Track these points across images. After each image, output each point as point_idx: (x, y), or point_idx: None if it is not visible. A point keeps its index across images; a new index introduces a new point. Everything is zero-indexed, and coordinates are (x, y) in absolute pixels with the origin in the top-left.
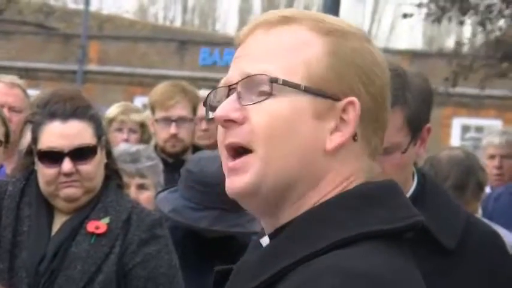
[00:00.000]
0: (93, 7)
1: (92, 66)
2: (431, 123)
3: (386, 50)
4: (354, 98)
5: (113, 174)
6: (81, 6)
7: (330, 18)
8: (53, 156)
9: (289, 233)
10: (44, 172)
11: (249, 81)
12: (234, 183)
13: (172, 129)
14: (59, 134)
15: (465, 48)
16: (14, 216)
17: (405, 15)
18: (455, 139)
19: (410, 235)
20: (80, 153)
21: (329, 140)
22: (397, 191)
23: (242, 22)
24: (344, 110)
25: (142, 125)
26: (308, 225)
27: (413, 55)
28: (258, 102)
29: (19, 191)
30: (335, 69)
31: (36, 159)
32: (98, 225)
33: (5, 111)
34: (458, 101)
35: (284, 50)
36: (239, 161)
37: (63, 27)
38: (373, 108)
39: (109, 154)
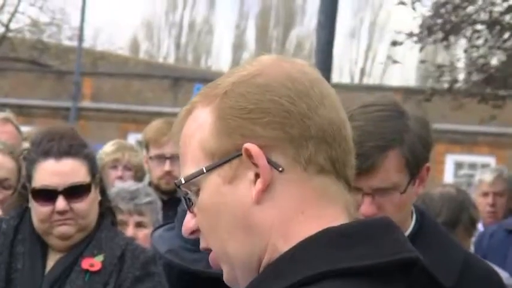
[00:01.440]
0: (87, 44)
1: (86, 103)
2: None
3: (380, 87)
4: (245, 145)
5: (106, 211)
6: (75, 43)
7: (223, 77)
8: (47, 194)
9: (262, 274)
10: (38, 210)
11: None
12: (223, 277)
13: (167, 166)
14: (53, 172)
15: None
16: (8, 254)
17: (395, 43)
18: (448, 176)
19: (411, 273)
20: (74, 191)
21: (254, 190)
22: (389, 227)
23: (235, 58)
24: (249, 156)
25: (137, 163)
26: (278, 265)
27: (406, 92)
28: (195, 204)
29: (13, 229)
30: (223, 130)
31: (30, 197)
32: (93, 262)
33: None
34: (452, 138)
35: (188, 144)
36: (211, 260)
37: (57, 64)
38: (289, 129)
39: (103, 192)
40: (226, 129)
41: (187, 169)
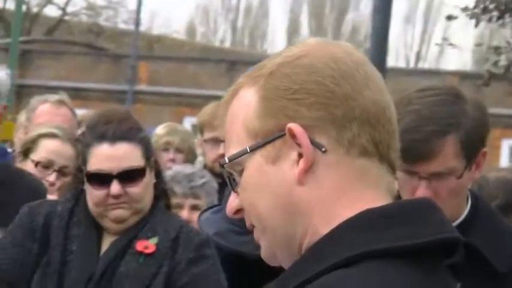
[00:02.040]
0: (143, 27)
1: (142, 87)
2: None
3: (436, 72)
4: (289, 125)
5: (162, 194)
6: (131, 27)
7: (269, 58)
8: (102, 178)
9: (303, 256)
10: (93, 194)
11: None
12: (261, 253)
13: (221, 149)
14: (108, 156)
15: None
16: (63, 236)
17: (450, 17)
18: (504, 160)
19: (459, 256)
20: (129, 176)
21: (297, 170)
22: (430, 208)
23: (290, 42)
24: (292, 136)
25: (189, 146)
26: (319, 247)
27: (462, 76)
28: (240, 183)
29: (68, 211)
30: (267, 110)
31: (85, 180)
32: (147, 244)
33: None
34: (507, 122)
35: (234, 123)
36: (255, 236)
37: (113, 47)
38: (333, 110)
39: (158, 174)
40: (271, 109)
41: (232, 149)
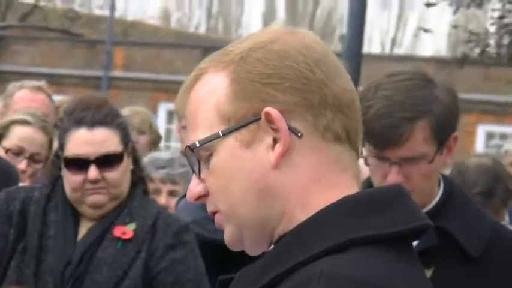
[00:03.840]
0: (118, 13)
1: (117, 73)
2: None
3: (411, 57)
4: (266, 109)
5: (139, 180)
6: (106, 12)
7: (234, 44)
8: (79, 164)
9: (286, 241)
10: (70, 179)
11: (191, 154)
12: (224, 237)
13: None
14: (85, 141)
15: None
16: (40, 222)
17: (428, 5)
18: (479, 146)
19: (432, 241)
20: (106, 161)
21: (272, 155)
22: (402, 195)
23: (265, 27)
24: (269, 120)
25: (150, 126)
26: (303, 233)
27: (438, 62)
28: (205, 168)
29: (45, 197)
30: (241, 94)
31: (62, 166)
32: (125, 230)
33: None
34: (483, 108)
35: (199, 108)
36: (216, 220)
37: (89, 33)
38: (308, 95)
39: (136, 160)
40: (245, 93)
41: (200, 133)
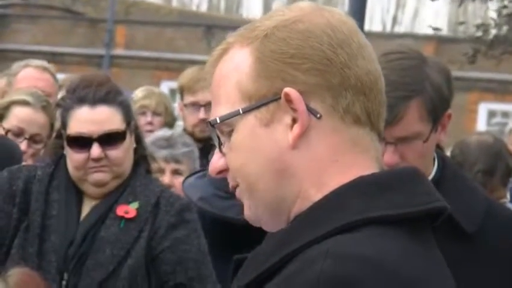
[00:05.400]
0: None
1: (119, 51)
2: (457, 108)
3: (411, 35)
4: (285, 89)
5: (142, 159)
6: None
7: (261, 19)
8: (82, 142)
9: (297, 221)
10: (73, 157)
11: (213, 129)
12: (244, 212)
13: (201, 114)
14: (88, 119)
15: (492, 32)
16: (43, 201)
17: None
18: (481, 124)
19: (439, 221)
20: (109, 139)
21: (291, 135)
22: (418, 177)
23: (266, 7)
24: (288, 101)
25: (166, 108)
26: (314, 213)
27: (438, 40)
28: (227, 143)
29: (48, 176)
30: (262, 73)
31: (65, 144)
32: (127, 209)
33: None
34: (485, 86)
35: (223, 83)
36: (237, 194)
37: (90, 11)
38: (329, 77)
39: (138, 139)
40: (266, 72)
41: (221, 109)
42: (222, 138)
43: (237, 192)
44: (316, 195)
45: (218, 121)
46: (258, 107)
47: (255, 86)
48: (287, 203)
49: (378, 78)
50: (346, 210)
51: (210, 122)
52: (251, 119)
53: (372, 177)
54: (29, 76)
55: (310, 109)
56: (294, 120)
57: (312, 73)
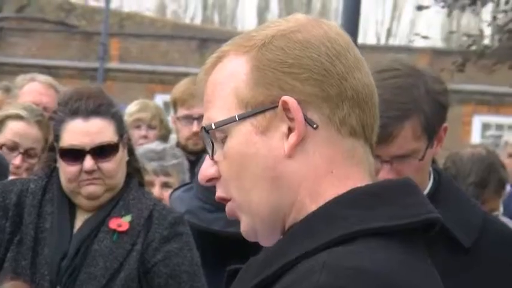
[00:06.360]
0: (114, 4)
1: (113, 64)
2: (452, 121)
3: (406, 48)
4: (284, 98)
5: (134, 172)
6: (101, 4)
7: (257, 29)
8: (75, 154)
9: (293, 232)
10: (66, 170)
11: (206, 135)
12: (240, 228)
13: (194, 127)
14: (81, 131)
15: (484, 42)
16: (36, 214)
17: (420, 8)
18: (475, 137)
19: (432, 232)
20: (102, 151)
21: (287, 144)
22: (411, 188)
23: (260, 20)
24: (285, 109)
25: (161, 121)
26: (310, 224)
27: (432, 52)
28: (220, 150)
29: (41, 189)
30: (260, 81)
31: (58, 157)
32: (120, 222)
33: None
34: (479, 99)
35: (218, 90)
36: (227, 209)
37: (84, 24)
38: (327, 88)
39: (131, 152)
40: (264, 80)
41: (216, 114)
42: (215, 145)
43: (229, 207)
44: (311, 206)
45: (213, 127)
46: (254, 114)
47: (252, 93)
48: (282, 212)
49: (373, 92)
50: (342, 222)
51: (204, 128)
52: (247, 126)
53: (367, 189)
54: (35, 90)
55: (307, 119)
56: (290, 130)
57: (309, 83)
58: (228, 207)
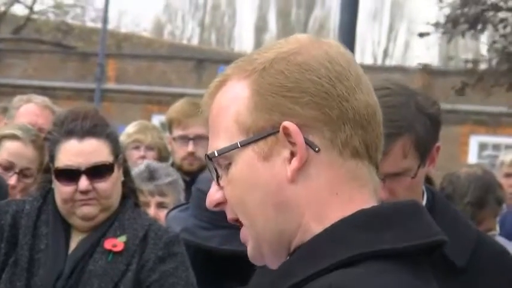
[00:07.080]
0: (111, 26)
1: (110, 85)
2: (449, 141)
3: (402, 68)
4: (284, 123)
5: (130, 192)
6: (99, 25)
7: (259, 51)
8: (70, 174)
9: (299, 254)
10: (61, 190)
11: (210, 162)
12: (248, 252)
13: (190, 147)
14: (76, 152)
15: (482, 66)
16: (31, 235)
17: (421, 35)
18: (472, 157)
19: (435, 254)
20: (97, 171)
21: (289, 168)
22: (418, 210)
23: (258, 41)
24: (286, 134)
25: (160, 143)
26: (316, 245)
27: (429, 73)
28: (225, 176)
29: (36, 210)
30: (261, 106)
31: (53, 177)
32: (115, 243)
33: None
34: (476, 119)
35: (220, 116)
36: (242, 235)
37: (82, 45)
38: (328, 110)
39: (126, 172)
40: (264, 105)
41: (220, 141)
42: (220, 171)
43: (243, 233)
44: (317, 228)
45: (216, 154)
46: (256, 141)
47: (253, 119)
48: (287, 236)
49: (376, 110)
50: (349, 244)
51: (207, 156)
52: (249, 152)
53: (373, 211)
54: (31, 112)
55: (309, 142)
56: (292, 154)
57: (310, 107)
58: (242, 232)
